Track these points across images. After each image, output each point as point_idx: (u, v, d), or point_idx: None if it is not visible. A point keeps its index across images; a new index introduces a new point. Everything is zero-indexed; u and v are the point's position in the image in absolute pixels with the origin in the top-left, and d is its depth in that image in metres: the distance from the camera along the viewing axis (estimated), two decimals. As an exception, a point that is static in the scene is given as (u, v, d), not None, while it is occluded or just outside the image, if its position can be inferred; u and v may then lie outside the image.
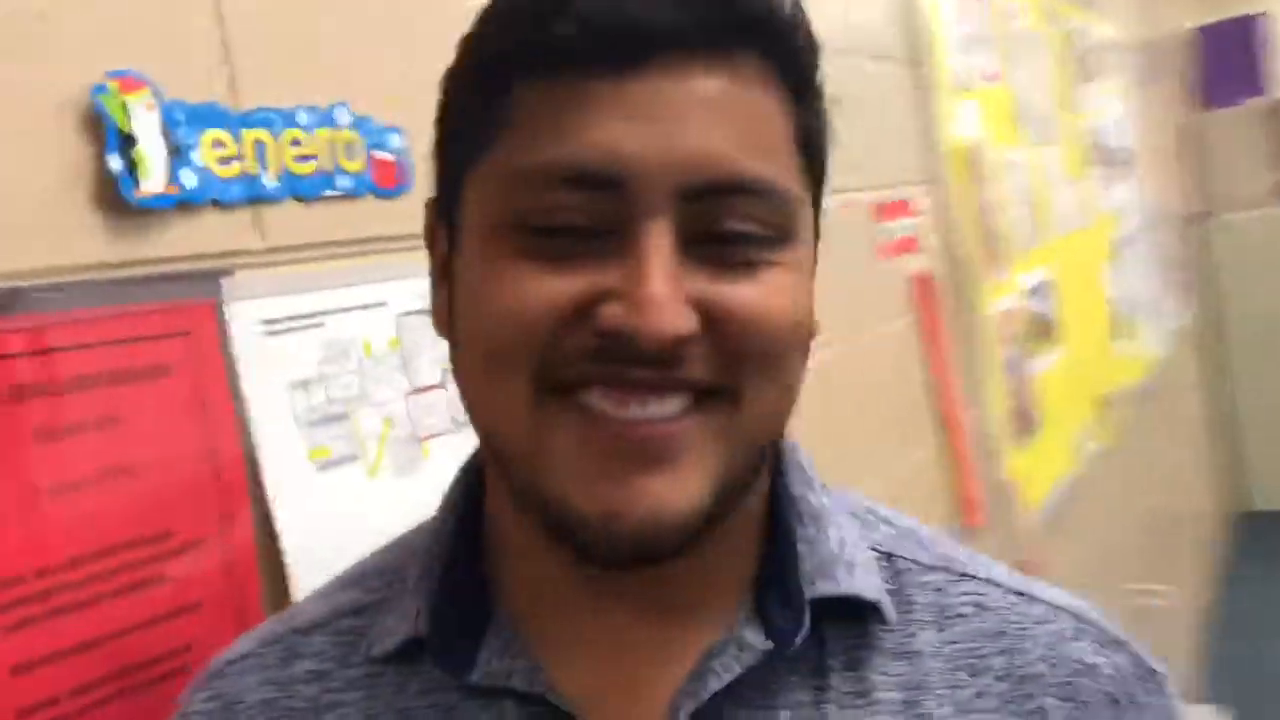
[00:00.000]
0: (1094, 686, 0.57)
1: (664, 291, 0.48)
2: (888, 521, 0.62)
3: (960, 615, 0.58)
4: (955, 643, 0.57)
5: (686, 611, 0.55)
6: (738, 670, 0.53)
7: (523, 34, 0.50)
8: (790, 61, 0.53)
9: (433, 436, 0.89)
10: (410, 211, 0.91)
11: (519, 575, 0.57)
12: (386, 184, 0.90)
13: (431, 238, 0.58)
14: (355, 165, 0.86)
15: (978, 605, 0.58)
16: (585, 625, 0.55)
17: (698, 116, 0.49)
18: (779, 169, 0.52)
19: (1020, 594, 0.60)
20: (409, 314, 0.89)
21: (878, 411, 1.85)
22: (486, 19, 0.53)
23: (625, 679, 0.55)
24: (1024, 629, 0.58)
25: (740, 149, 0.50)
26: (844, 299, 1.78)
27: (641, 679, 0.55)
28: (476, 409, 0.53)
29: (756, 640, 0.54)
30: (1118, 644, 0.60)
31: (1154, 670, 0.60)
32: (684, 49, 0.49)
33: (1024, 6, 2.95)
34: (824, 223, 0.58)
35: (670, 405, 0.50)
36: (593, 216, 0.49)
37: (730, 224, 0.50)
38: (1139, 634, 0.62)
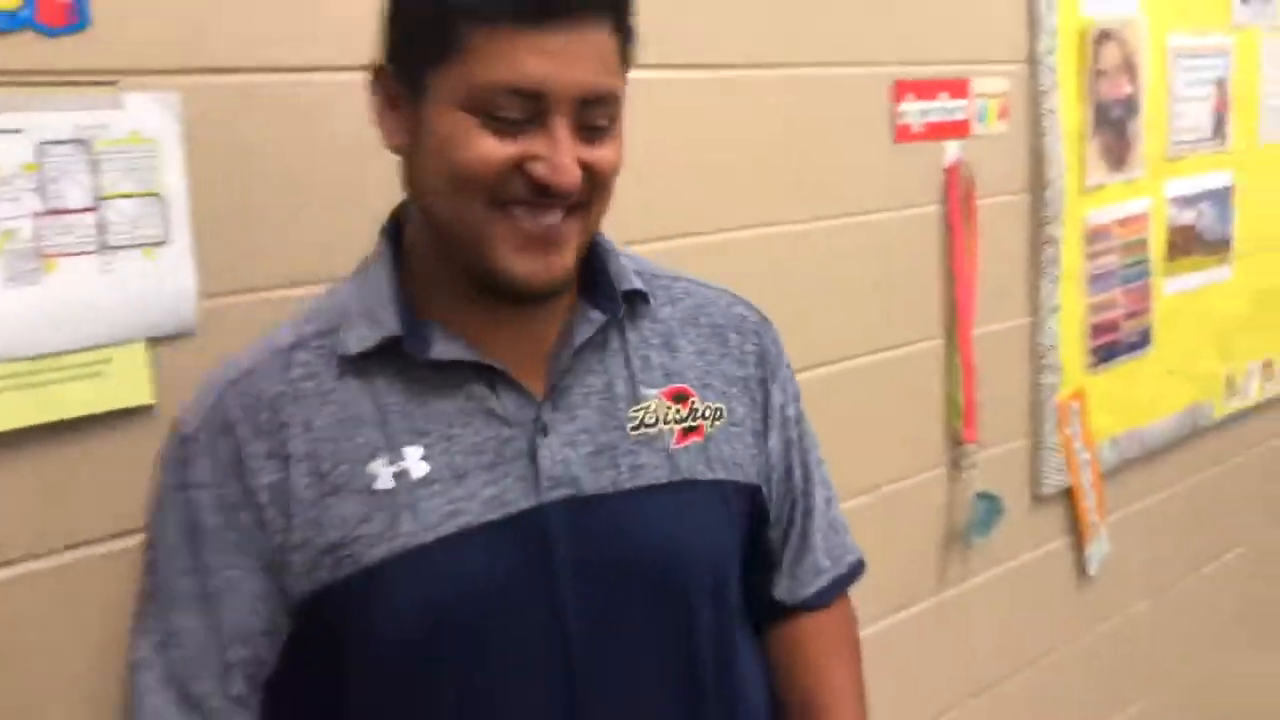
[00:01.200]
0: (746, 325, 1.06)
1: (569, 161, 0.85)
2: (633, 258, 1.03)
3: (678, 299, 1.03)
4: (680, 312, 1.02)
5: (545, 312, 0.95)
6: (589, 332, 0.95)
7: None
8: (622, 19, 0.89)
9: (64, 255, 1.01)
10: (82, 50, 1.01)
11: (445, 304, 0.93)
12: (54, 22, 0.99)
13: (385, 89, 0.91)
14: (10, 3, 0.97)
15: (685, 293, 1.05)
16: (492, 330, 0.93)
17: (582, 56, 0.85)
18: (616, 82, 0.88)
19: (704, 285, 1.07)
20: (55, 143, 1.00)
21: (877, 295, 1.76)
22: None
23: (523, 351, 0.94)
24: (711, 301, 1.05)
25: (601, 75, 0.86)
26: (841, 177, 1.70)
27: (532, 350, 0.94)
28: (438, 209, 0.89)
29: (595, 316, 0.95)
30: (750, 305, 1.09)
31: (767, 318, 1.09)
32: (572, 14, 0.83)
33: None
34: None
35: (558, 216, 0.88)
36: (524, 112, 0.84)
37: (597, 120, 0.87)
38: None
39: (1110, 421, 2.17)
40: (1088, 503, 2.13)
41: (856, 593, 1.15)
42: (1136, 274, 2.19)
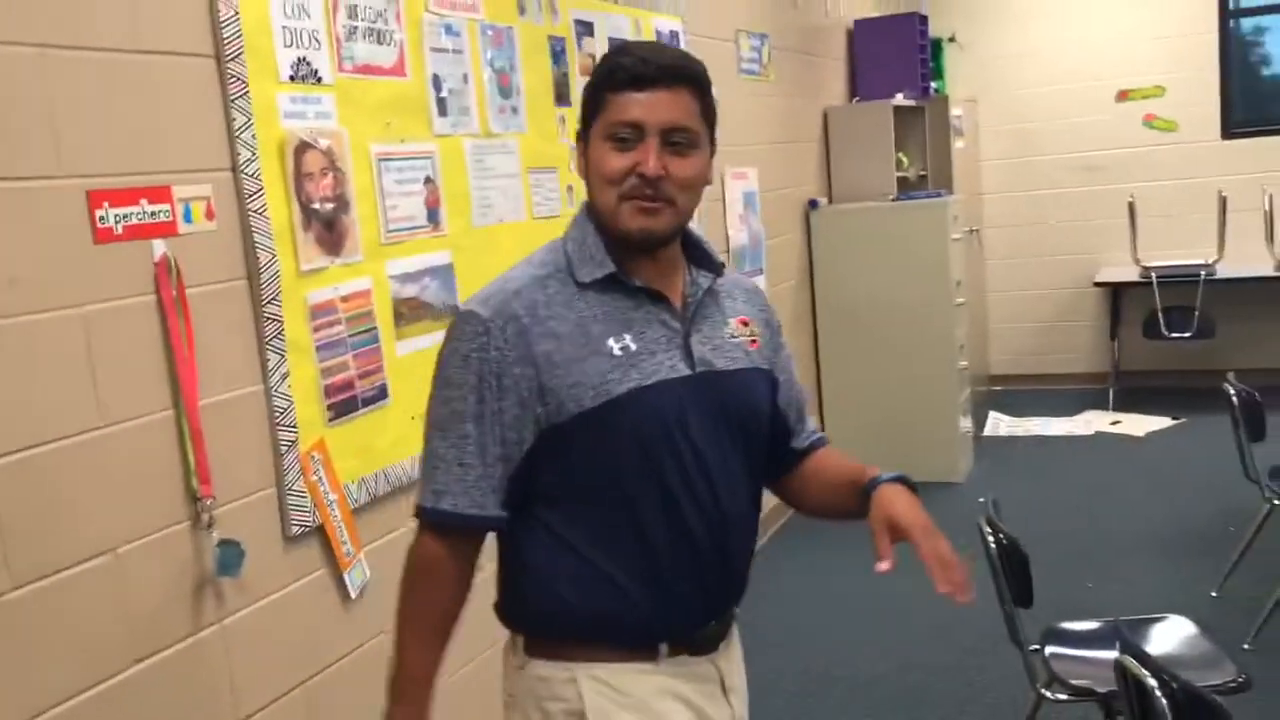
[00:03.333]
0: (755, 290, 1.83)
1: (655, 160, 1.54)
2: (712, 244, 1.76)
3: (725, 274, 1.74)
4: (729, 279, 1.75)
5: (673, 268, 1.66)
6: (708, 283, 1.69)
7: (614, 79, 1.55)
8: (699, 85, 1.58)
9: None
10: None
11: (620, 257, 1.60)
12: None
13: (581, 144, 1.61)
14: None
15: (727, 273, 1.75)
16: (650, 274, 1.62)
17: (664, 104, 1.54)
18: (692, 121, 1.57)
19: (739, 273, 2.18)
20: None
21: (99, 375, 1.99)
22: (599, 68, 1.59)
23: (667, 288, 1.64)
24: (738, 277, 1.82)
25: (676, 115, 1.55)
26: (44, 276, 1.91)
27: (672, 289, 1.65)
28: (597, 196, 1.59)
29: (707, 275, 1.70)
30: (750, 280, 2.00)
31: (760, 288, 1.99)
32: (660, 84, 1.54)
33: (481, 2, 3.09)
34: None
35: (657, 205, 1.56)
36: (633, 136, 1.54)
37: (676, 141, 1.56)
38: None
39: (357, 465, 2.57)
40: (340, 537, 2.50)
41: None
42: (366, 340, 2.61)
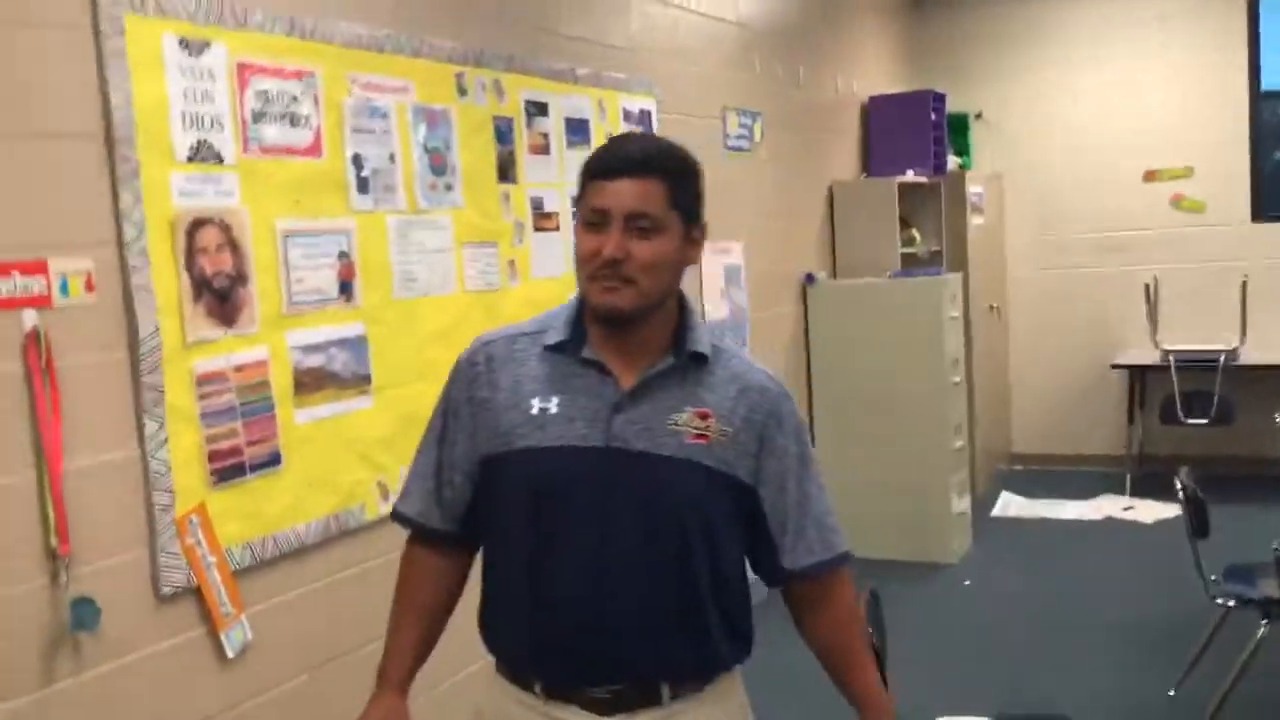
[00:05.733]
0: (768, 390, 1.80)
1: (614, 245, 1.67)
2: (712, 333, 1.83)
3: (731, 364, 1.79)
4: (728, 372, 1.78)
5: (644, 348, 1.75)
6: (662, 367, 1.74)
7: (589, 169, 1.72)
8: (667, 175, 1.70)
9: None
10: None
11: (591, 329, 1.76)
12: None
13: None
14: None
15: (736, 363, 1.81)
16: (611, 348, 1.75)
17: (631, 193, 1.68)
18: (654, 208, 1.69)
19: (750, 363, 1.84)
20: None
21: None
22: (587, 158, 1.74)
23: (625, 364, 1.74)
24: (750, 371, 1.81)
25: (640, 203, 1.68)
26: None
27: (631, 365, 1.74)
28: (577, 274, 1.73)
29: (667, 361, 1.75)
30: (777, 381, 1.83)
31: (787, 391, 1.83)
32: (626, 173, 1.68)
33: (417, 83, 3.22)
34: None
35: (618, 283, 1.68)
36: (601, 221, 1.69)
37: (639, 225, 1.68)
38: None
39: (242, 528, 2.66)
40: (218, 598, 2.59)
41: None
42: (260, 408, 2.72)
